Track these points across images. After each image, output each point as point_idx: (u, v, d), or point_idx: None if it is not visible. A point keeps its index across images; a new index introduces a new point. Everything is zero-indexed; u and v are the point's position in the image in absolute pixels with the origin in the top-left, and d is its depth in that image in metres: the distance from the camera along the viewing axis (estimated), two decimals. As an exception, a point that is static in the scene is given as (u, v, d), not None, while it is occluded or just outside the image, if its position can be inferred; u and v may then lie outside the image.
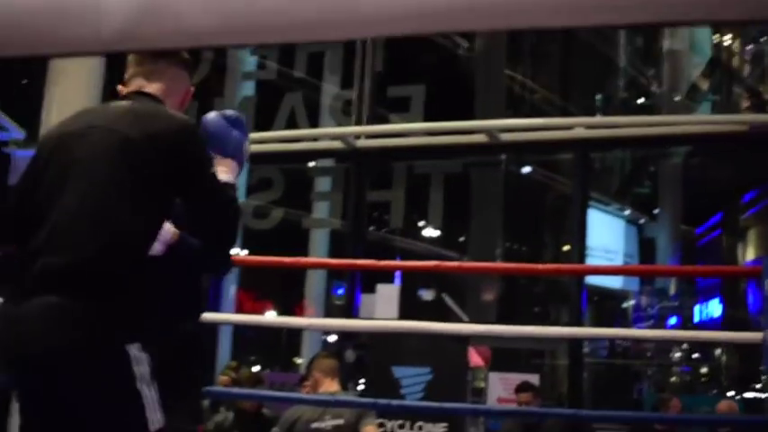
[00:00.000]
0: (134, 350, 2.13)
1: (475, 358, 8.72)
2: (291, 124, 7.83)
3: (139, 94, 2.45)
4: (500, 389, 7.43)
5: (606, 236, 14.32)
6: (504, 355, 9.33)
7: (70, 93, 6.76)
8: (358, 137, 7.46)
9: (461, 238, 15.64)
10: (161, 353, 2.77)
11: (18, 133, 7.26)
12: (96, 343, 2.10)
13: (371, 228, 13.31)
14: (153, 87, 2.46)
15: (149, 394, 2.13)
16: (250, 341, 18.08)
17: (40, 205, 2.25)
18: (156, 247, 2.68)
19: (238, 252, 10.02)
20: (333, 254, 11.67)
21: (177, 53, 2.54)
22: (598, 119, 7.88)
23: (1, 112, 7.15)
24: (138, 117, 2.32)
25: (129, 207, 2.22)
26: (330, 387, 5.22)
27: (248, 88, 9.17)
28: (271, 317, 11.87)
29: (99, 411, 2.10)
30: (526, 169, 14.09)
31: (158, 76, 2.48)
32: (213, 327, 7.69)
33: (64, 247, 2.16)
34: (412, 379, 6.32)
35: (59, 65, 7.13)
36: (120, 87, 2.53)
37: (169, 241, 2.69)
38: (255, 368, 15.25)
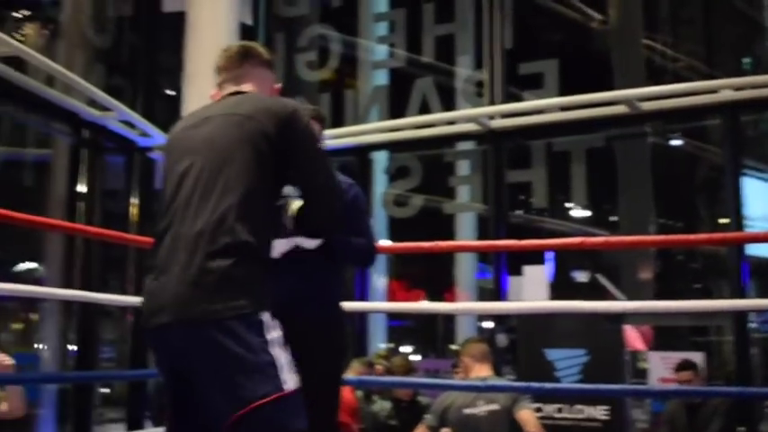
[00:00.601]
0: (265, 317, 2.27)
1: (636, 343, 8.42)
2: (424, 110, 7.77)
3: (235, 94, 2.63)
4: (662, 369, 7.13)
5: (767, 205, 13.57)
6: (666, 334, 8.98)
7: (206, 96, 6.91)
8: (492, 117, 7.31)
9: (613, 218, 15.23)
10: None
11: (161, 139, 7.47)
12: (233, 310, 2.23)
13: (519, 211, 13.12)
14: (245, 87, 2.66)
15: (283, 357, 2.26)
16: (407, 330, 18.24)
17: (170, 196, 2.43)
18: (311, 242, 2.76)
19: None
20: (480, 239, 11.54)
21: (259, 55, 2.73)
22: (746, 79, 7.35)
23: (145, 120, 7.37)
24: (251, 100, 2.52)
25: (253, 177, 2.36)
26: (481, 372, 5.14)
27: (380, 78, 9.14)
28: (417, 304, 11.86)
29: (237, 371, 2.20)
30: (675, 142, 13.55)
31: (247, 79, 2.68)
32: (363, 316, 7.72)
33: (190, 220, 2.32)
34: (567, 361, 6.14)
35: (194, 69, 7.33)
36: (212, 93, 2.73)
37: None
38: (416, 357, 15.38)
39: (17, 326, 11.83)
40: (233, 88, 2.65)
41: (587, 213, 14.81)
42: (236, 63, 2.69)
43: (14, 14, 7.77)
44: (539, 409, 5.78)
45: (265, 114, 2.43)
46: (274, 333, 2.27)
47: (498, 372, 6.73)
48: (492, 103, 7.43)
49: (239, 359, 2.20)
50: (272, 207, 2.47)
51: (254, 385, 2.19)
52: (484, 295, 12.82)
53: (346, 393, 6.07)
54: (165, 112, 8.29)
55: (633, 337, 7.97)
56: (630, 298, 9.41)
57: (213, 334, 2.21)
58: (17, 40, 7.51)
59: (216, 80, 2.72)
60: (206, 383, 2.26)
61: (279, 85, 2.84)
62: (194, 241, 2.28)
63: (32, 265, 10.20)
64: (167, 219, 2.40)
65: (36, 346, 8.62)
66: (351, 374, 6.10)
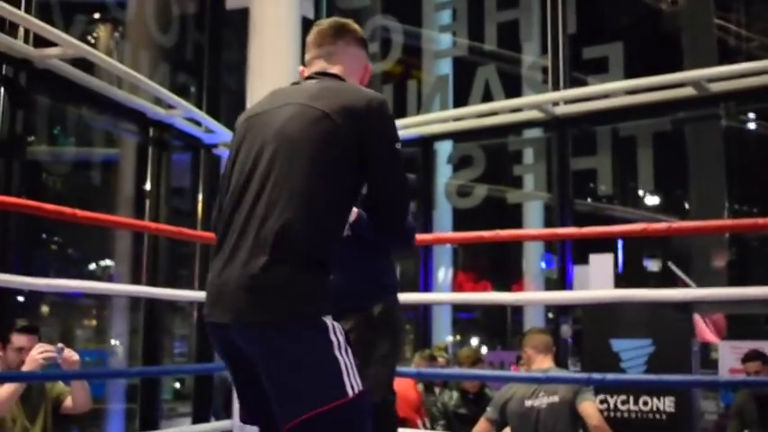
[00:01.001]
0: (328, 320, 2.22)
1: (707, 334, 8.21)
2: (487, 98, 7.70)
3: (323, 74, 2.54)
4: (731, 359, 6.96)
5: None
6: (740, 323, 8.74)
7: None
8: (556, 104, 7.21)
9: (686, 205, 14.89)
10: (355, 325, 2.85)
11: (226, 135, 7.55)
12: (296, 312, 2.19)
13: (589, 199, 12.92)
14: (334, 68, 2.57)
15: (346, 360, 2.21)
16: (474, 322, 18.17)
17: (239, 181, 2.38)
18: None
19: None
20: (547, 228, 11.42)
21: (353, 32, 2.64)
22: (822, 57, 7.11)
23: (210, 117, 7.46)
24: (331, 93, 2.40)
25: (324, 180, 2.28)
26: (543, 363, 5.08)
27: (444, 67, 9.11)
28: (477, 294, 11.77)
29: (300, 376, 2.18)
30: (750, 125, 13.15)
31: (338, 57, 2.59)
32: (427, 308, 7.70)
33: (257, 222, 2.26)
34: (632, 352, 6.02)
35: (258, 65, 7.39)
36: (301, 69, 2.65)
37: (350, 219, 2.78)
38: (483, 349, 15.32)
39: (91, 322, 12.11)
40: (321, 66, 2.58)
41: (658, 200, 14.50)
42: (328, 39, 2.61)
43: (86, 17, 7.91)
44: (603, 401, 5.69)
45: (342, 112, 2.32)
46: (338, 336, 2.22)
47: (564, 363, 6.66)
48: (556, 89, 7.31)
49: (301, 364, 2.18)
50: (341, 211, 2.38)
51: (316, 390, 2.17)
52: (551, 286, 12.70)
53: (408, 389, 6.05)
54: (229, 108, 8.38)
55: (704, 328, 7.77)
56: (703, 286, 9.17)
57: (274, 338, 2.18)
58: (89, 43, 7.70)
59: (306, 56, 2.63)
60: (268, 384, 2.24)
61: (370, 66, 2.76)
62: (258, 245, 2.22)
63: (108, 262, 10.42)
64: (232, 211, 2.35)
65: (112, 342, 8.82)
66: (413, 368, 6.09)
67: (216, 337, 2.37)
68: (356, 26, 2.67)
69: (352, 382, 2.19)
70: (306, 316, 2.20)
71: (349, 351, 2.23)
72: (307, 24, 8.16)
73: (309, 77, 2.56)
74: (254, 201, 2.29)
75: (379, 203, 2.47)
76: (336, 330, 2.22)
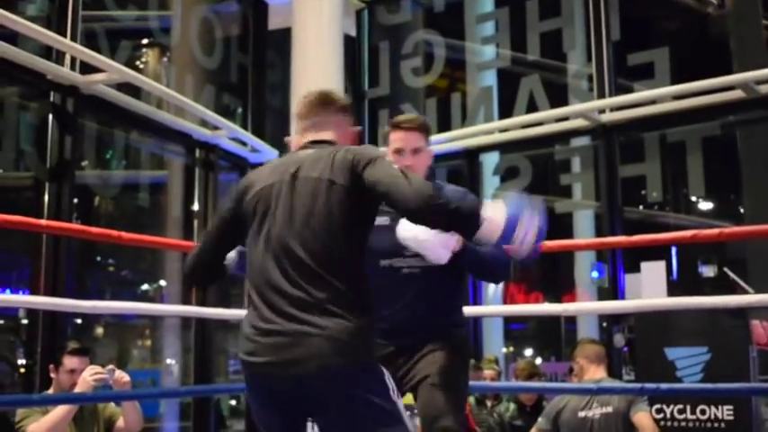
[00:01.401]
0: (381, 367, 2.42)
1: (762, 339, 8.02)
2: (532, 109, 7.63)
3: (315, 142, 2.70)
4: (791, 364, 6.77)
5: None
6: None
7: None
8: (602, 111, 7.13)
9: (741, 209, 14.66)
10: None
11: (271, 154, 7.61)
12: (357, 359, 2.34)
13: (640, 206, 12.77)
14: (324, 135, 2.71)
15: (400, 404, 2.40)
16: (527, 333, 18.05)
17: (255, 251, 2.52)
18: (442, 254, 2.72)
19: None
20: (597, 237, 11.29)
21: (336, 101, 2.79)
22: None
23: (255, 137, 7.52)
24: (329, 159, 2.53)
25: (342, 240, 2.43)
26: (595, 374, 5.05)
27: (487, 79, 9.06)
28: (525, 306, 11.67)
29: (373, 422, 2.33)
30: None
31: (326, 126, 2.74)
32: (477, 320, 7.65)
33: (300, 282, 2.40)
34: (687, 360, 5.91)
35: (301, 83, 7.43)
36: (289, 139, 2.91)
37: (454, 248, 2.82)
38: (538, 360, 15.19)
39: (146, 342, 12.25)
40: (313, 136, 2.72)
41: (712, 205, 14.27)
42: (314, 110, 2.76)
43: (131, 42, 8.03)
44: (660, 410, 5.59)
45: (342, 170, 2.47)
46: (391, 382, 2.40)
47: (618, 372, 6.56)
48: (601, 96, 7.22)
49: (373, 408, 2.32)
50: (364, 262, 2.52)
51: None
52: (603, 295, 12.54)
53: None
54: (274, 127, 8.44)
55: (762, 334, 7.60)
56: (760, 291, 8.98)
57: (338, 385, 2.32)
58: (138, 68, 7.82)
59: (296, 126, 2.81)
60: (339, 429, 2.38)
61: (357, 128, 2.92)
62: (303, 299, 2.37)
63: (162, 282, 10.55)
64: (257, 276, 2.48)
65: (167, 361, 8.91)
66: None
67: (261, 386, 2.47)
68: (339, 95, 2.84)
69: (410, 425, 2.36)
70: (365, 362, 2.37)
71: (399, 396, 2.41)
72: (349, 42, 8.19)
73: (304, 147, 2.69)
74: (290, 270, 2.42)
75: (389, 191, 2.39)
76: (389, 376, 2.41)
